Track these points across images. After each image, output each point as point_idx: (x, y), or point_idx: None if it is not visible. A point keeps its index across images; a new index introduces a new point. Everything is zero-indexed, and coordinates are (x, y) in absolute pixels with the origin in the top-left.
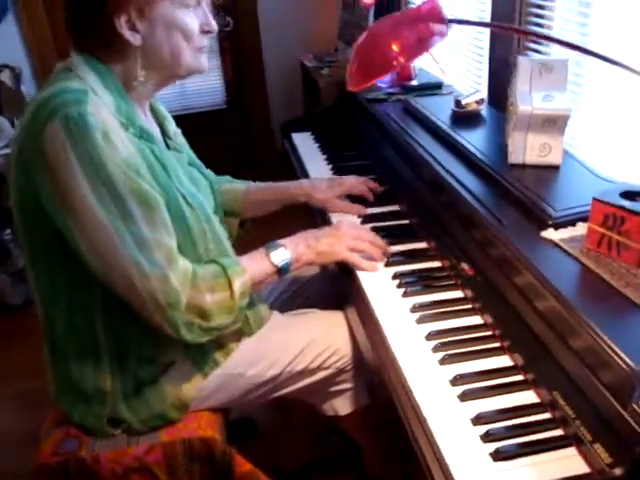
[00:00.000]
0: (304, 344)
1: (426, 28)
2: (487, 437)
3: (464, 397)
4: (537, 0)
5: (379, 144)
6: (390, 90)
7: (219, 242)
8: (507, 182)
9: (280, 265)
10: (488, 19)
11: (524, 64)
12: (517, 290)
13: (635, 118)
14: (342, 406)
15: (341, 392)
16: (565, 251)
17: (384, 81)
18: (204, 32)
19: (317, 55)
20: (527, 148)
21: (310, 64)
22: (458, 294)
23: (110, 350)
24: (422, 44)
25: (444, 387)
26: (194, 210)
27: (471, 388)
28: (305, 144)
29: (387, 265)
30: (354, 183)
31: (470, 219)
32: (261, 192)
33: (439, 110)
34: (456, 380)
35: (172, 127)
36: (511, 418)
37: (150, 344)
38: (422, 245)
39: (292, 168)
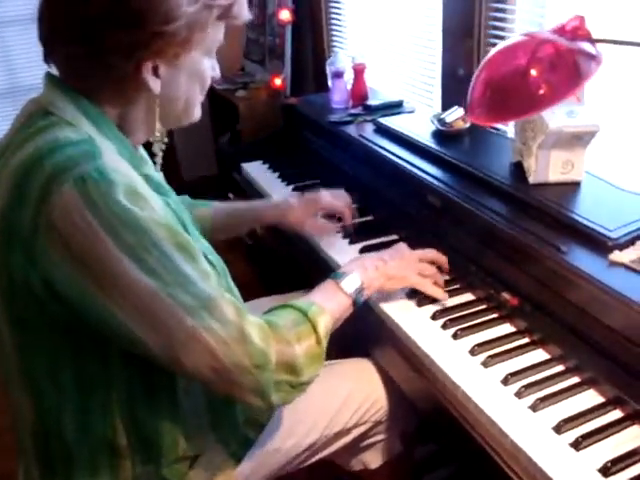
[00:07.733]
0: (341, 401)
1: (572, 52)
2: None
3: (578, 446)
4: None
5: (357, 170)
6: (352, 111)
7: (231, 293)
8: (543, 205)
9: (354, 295)
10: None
11: None
12: (590, 318)
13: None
14: (373, 459)
15: (372, 445)
16: None
17: (338, 102)
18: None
19: (225, 77)
20: (550, 166)
21: (220, 87)
22: (508, 327)
23: (133, 451)
24: (573, 74)
25: (550, 436)
26: (214, 266)
27: (582, 434)
28: (262, 175)
29: (420, 305)
30: (331, 201)
31: (513, 247)
32: (228, 216)
33: (419, 129)
34: (560, 427)
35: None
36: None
37: (180, 436)
38: (444, 277)
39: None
